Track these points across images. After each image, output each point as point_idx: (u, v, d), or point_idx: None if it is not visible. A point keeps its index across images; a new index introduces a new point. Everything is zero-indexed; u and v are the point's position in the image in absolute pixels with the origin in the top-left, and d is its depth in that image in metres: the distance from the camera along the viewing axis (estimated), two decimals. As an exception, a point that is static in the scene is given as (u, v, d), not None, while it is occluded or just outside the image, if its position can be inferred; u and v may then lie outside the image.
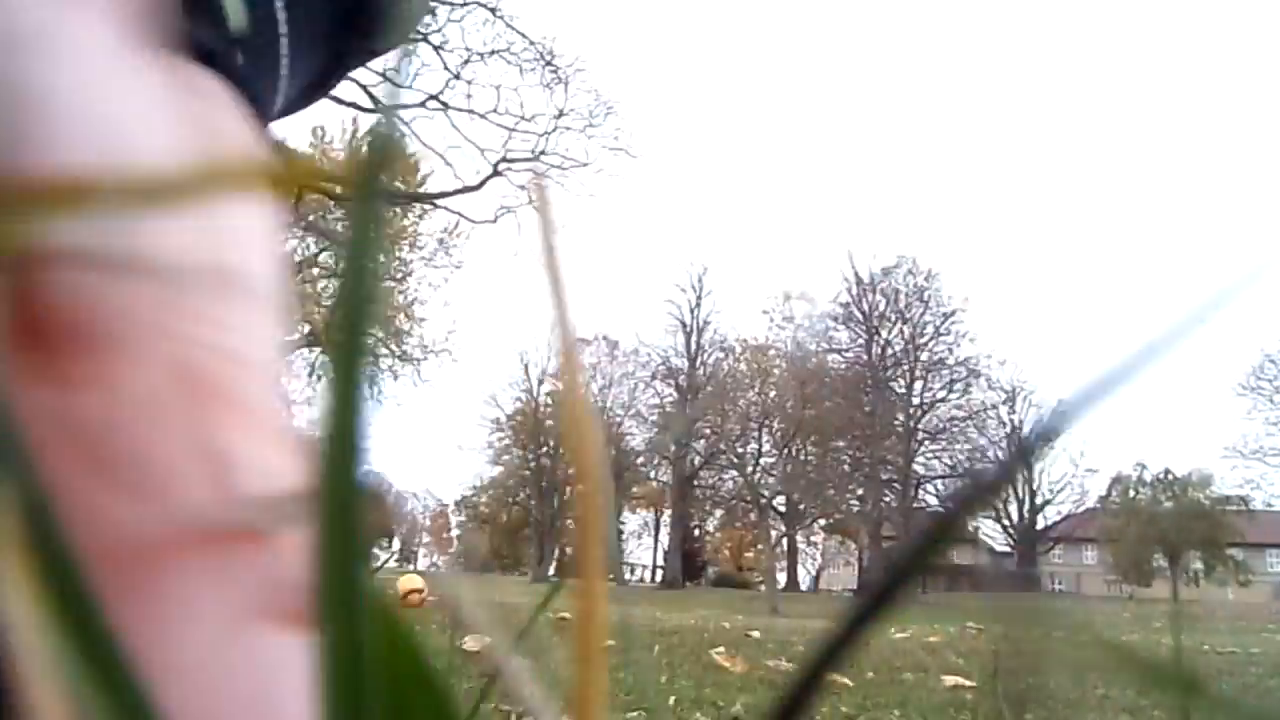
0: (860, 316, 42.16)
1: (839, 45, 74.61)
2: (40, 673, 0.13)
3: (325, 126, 32.05)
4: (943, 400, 40.23)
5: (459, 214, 26.33)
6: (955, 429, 38.75)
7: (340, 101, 22.39)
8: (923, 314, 41.02)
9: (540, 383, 47.50)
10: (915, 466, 38.39)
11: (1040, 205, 64.83)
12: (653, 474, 47.85)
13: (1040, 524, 44.40)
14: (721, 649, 4.27)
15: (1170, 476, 38.88)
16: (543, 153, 24.11)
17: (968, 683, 3.52)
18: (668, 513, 46.56)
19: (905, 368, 41.10)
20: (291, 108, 0.48)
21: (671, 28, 71.13)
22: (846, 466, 40.69)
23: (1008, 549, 46.38)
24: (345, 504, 0.15)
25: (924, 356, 40.79)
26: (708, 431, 44.97)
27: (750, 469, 41.37)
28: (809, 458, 40.81)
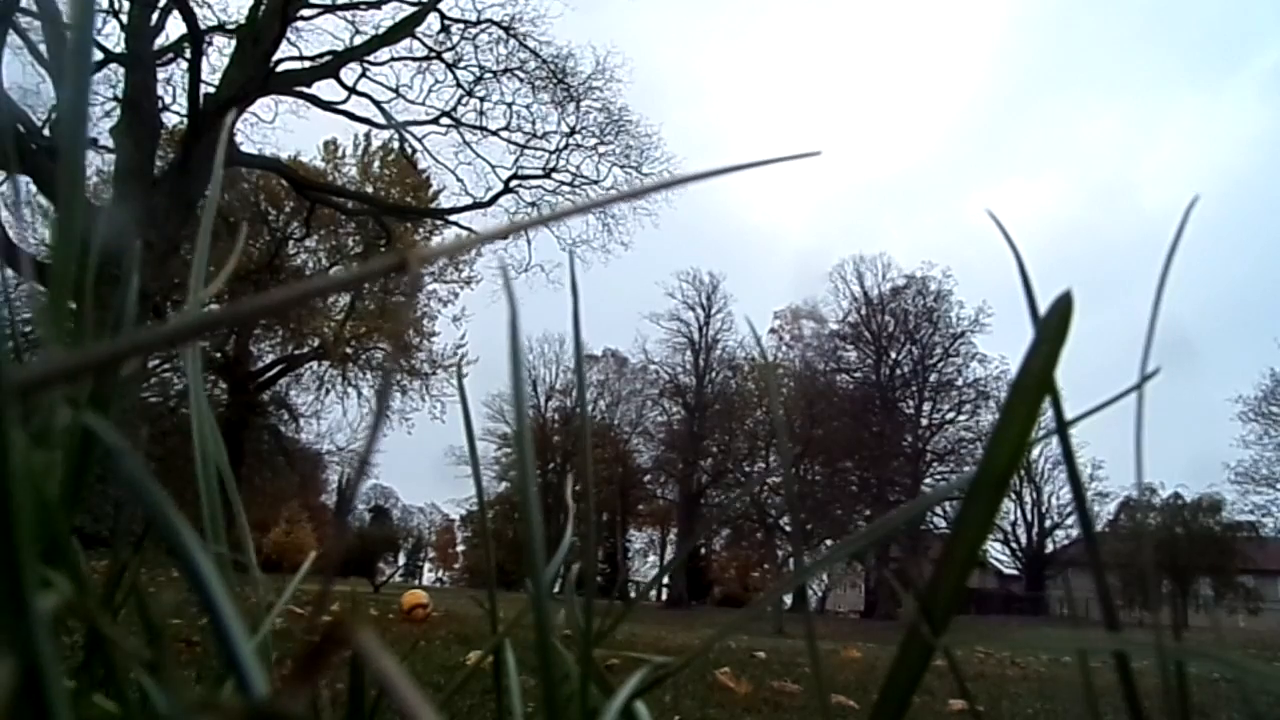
0: (869, 336, 42.11)
1: (853, 57, 74.91)
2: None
3: (337, 140, 32.27)
4: (951, 422, 40.10)
5: (469, 230, 26.42)
6: (964, 450, 38.56)
7: (353, 117, 22.56)
8: (932, 335, 40.95)
9: (548, 399, 47.52)
10: (924, 488, 38.17)
11: (1046, 218, 64.77)
12: (659, 492, 47.70)
13: (1049, 548, 44.10)
14: (726, 669, 4.25)
15: (1180, 501, 38.57)
16: (554, 170, 24.20)
17: (976, 707, 3.48)
18: (674, 531, 46.41)
19: (914, 388, 40.98)
20: None
21: (681, 39, 71.48)
22: (854, 487, 40.51)
23: (1016, 573, 46.07)
24: None
25: (933, 378, 40.68)
26: (715, 450, 44.85)
27: (757, 488, 41.21)
28: (816, 478, 40.64)
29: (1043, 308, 0.31)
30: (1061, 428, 0.34)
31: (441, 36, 22.12)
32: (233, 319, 0.24)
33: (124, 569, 0.63)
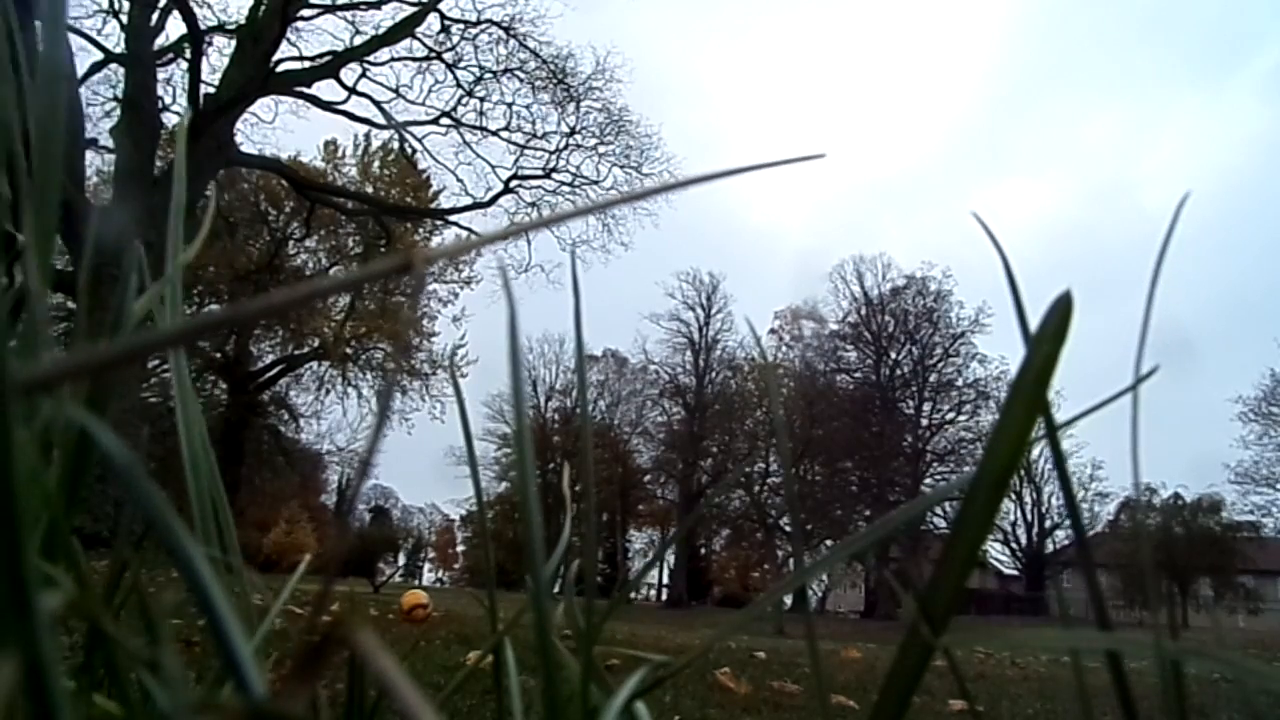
0: (869, 337, 42.10)
1: (853, 57, 74.90)
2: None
3: (337, 140, 32.27)
4: (951, 422, 40.07)
5: (470, 230, 26.41)
6: (964, 450, 38.56)
7: (353, 117, 22.55)
8: (932, 335, 40.95)
9: (548, 399, 47.50)
10: (924, 488, 38.17)
11: (1047, 220, 64.77)
12: (659, 492, 47.69)
13: (1049, 548, 44.08)
14: (726, 669, 4.24)
15: (1180, 501, 38.57)
16: (554, 170, 24.19)
17: (976, 707, 3.48)
18: (674, 531, 46.40)
19: (914, 389, 40.98)
20: None
21: (681, 39, 71.47)
22: (854, 487, 40.51)
23: (1016, 573, 46.06)
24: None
25: (933, 378, 40.67)
26: (715, 450, 44.84)
27: (757, 488, 41.22)
28: (816, 478, 40.64)
29: (1043, 308, 0.31)
30: (1052, 435, 0.34)
31: (441, 37, 22.12)
32: (233, 319, 0.24)
33: (125, 568, 0.63)
